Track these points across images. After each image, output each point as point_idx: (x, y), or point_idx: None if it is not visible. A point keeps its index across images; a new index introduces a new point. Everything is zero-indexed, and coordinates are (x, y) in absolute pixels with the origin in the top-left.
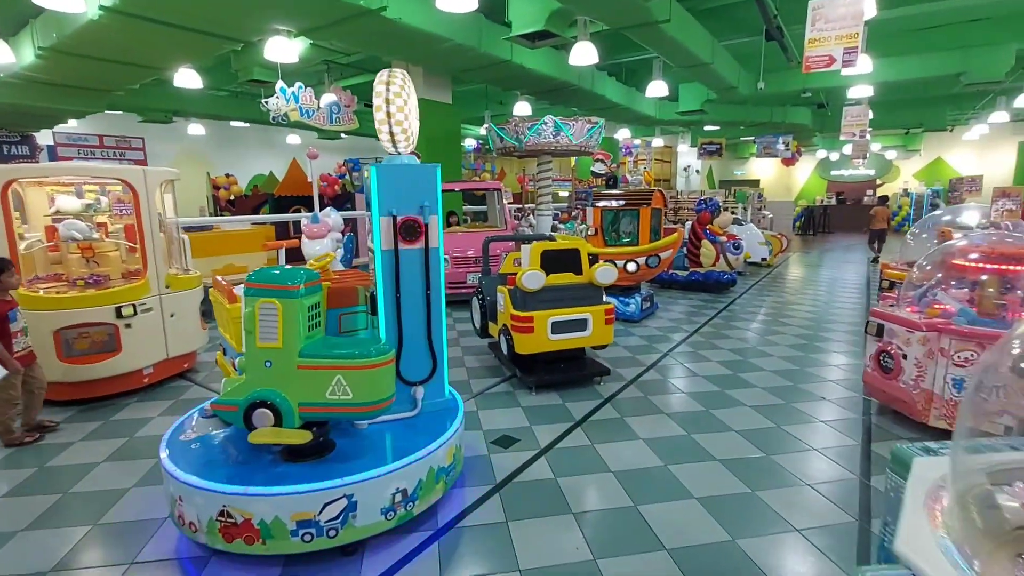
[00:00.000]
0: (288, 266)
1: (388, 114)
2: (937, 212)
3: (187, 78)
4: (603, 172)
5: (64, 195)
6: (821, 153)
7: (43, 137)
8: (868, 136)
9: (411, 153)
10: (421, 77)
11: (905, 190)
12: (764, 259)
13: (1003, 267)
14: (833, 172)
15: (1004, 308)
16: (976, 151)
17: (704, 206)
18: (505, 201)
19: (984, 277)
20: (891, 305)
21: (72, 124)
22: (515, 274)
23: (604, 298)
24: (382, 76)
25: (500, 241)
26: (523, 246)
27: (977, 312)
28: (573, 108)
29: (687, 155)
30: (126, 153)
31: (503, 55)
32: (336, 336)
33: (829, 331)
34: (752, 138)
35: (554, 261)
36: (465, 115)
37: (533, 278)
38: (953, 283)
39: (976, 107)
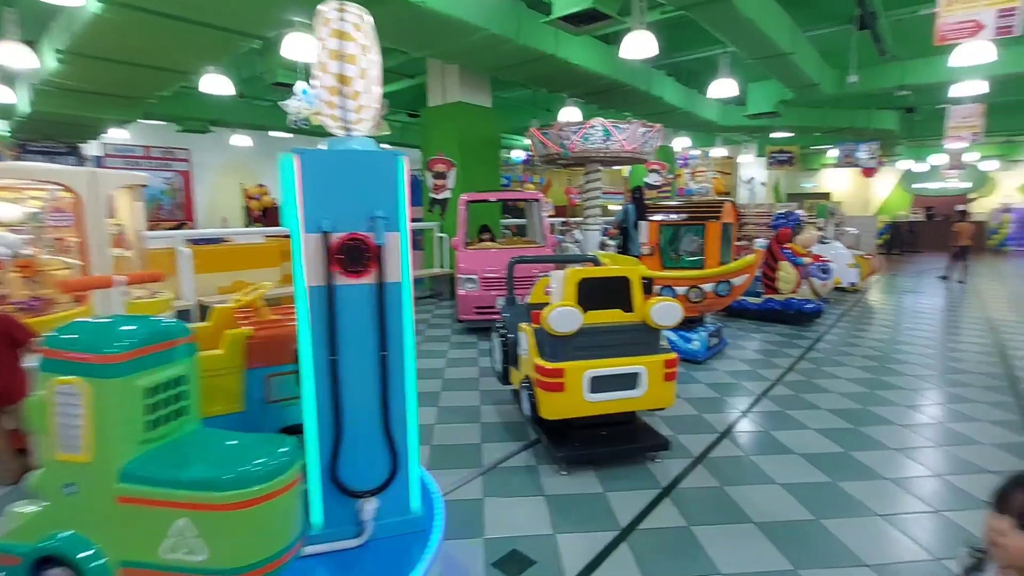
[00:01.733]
0: (124, 314)
1: (339, 60)
2: None
3: (216, 84)
4: (658, 183)
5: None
6: (902, 164)
7: (93, 148)
8: (981, 138)
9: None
10: (457, 76)
11: (1007, 206)
12: (853, 283)
13: None
14: (917, 185)
15: None
16: None
17: (784, 221)
18: (544, 213)
19: None
20: None
21: (124, 135)
22: (543, 306)
23: (662, 343)
24: (329, 4)
25: (531, 262)
26: (553, 272)
27: None
28: (626, 112)
29: (750, 167)
30: (171, 164)
31: (545, 48)
32: (245, 420)
33: (958, 383)
34: (824, 147)
35: (596, 293)
36: (511, 124)
37: (565, 317)
38: None
39: None
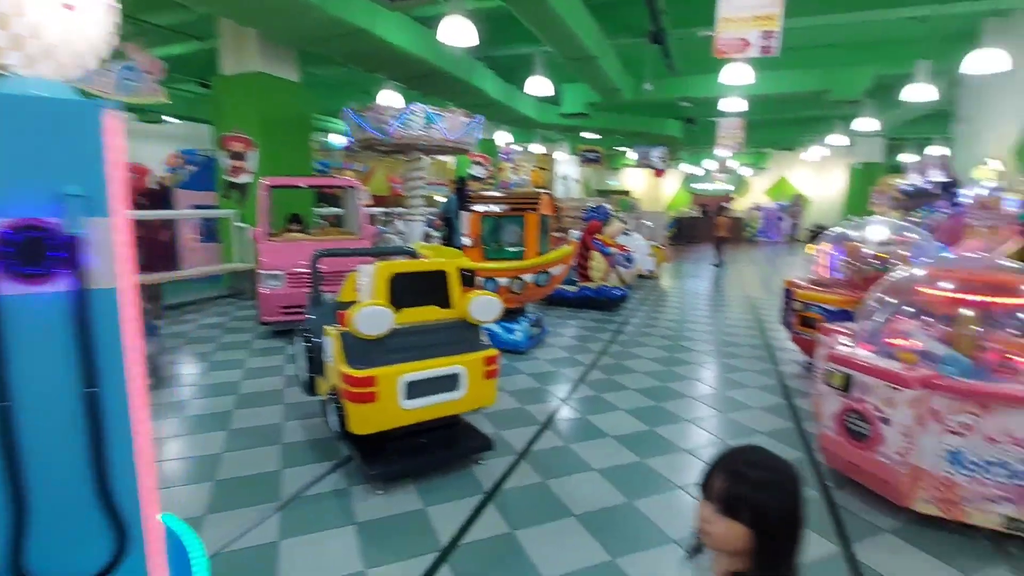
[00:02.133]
0: None
1: None
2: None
3: None
4: (482, 176)
5: None
6: (684, 167)
7: None
8: (742, 148)
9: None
10: (257, 44)
11: (757, 205)
12: (651, 271)
13: (988, 299)
14: (695, 185)
15: (984, 351)
16: (814, 171)
17: (595, 214)
18: (361, 202)
19: (964, 312)
20: (846, 344)
21: None
22: (352, 305)
23: (482, 339)
24: None
25: (338, 256)
26: (362, 266)
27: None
28: (448, 102)
29: (565, 163)
30: None
31: (359, 21)
32: None
33: (731, 355)
34: (624, 149)
35: (410, 288)
36: (326, 104)
37: (373, 317)
38: (923, 318)
39: (816, 130)
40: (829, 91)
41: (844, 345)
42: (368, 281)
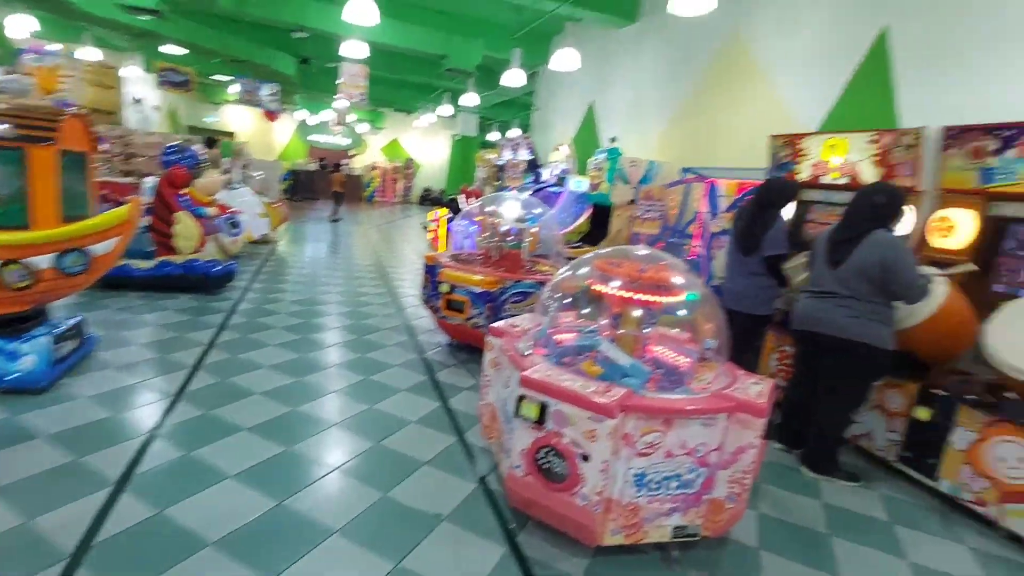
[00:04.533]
0: None
1: None
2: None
3: None
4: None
5: None
6: (300, 114)
7: None
8: (365, 100)
9: None
10: None
11: (374, 164)
12: (265, 235)
13: (647, 297)
14: (312, 136)
15: (643, 350)
16: (423, 137)
17: (178, 157)
18: None
19: (630, 311)
20: (525, 351)
21: None
22: None
23: None
24: None
25: None
26: None
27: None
28: None
29: (139, 84)
30: None
31: None
32: None
33: (375, 343)
34: (226, 79)
35: None
36: None
37: None
38: (601, 320)
39: (429, 98)
40: (448, 57)
41: (538, 364)
42: None
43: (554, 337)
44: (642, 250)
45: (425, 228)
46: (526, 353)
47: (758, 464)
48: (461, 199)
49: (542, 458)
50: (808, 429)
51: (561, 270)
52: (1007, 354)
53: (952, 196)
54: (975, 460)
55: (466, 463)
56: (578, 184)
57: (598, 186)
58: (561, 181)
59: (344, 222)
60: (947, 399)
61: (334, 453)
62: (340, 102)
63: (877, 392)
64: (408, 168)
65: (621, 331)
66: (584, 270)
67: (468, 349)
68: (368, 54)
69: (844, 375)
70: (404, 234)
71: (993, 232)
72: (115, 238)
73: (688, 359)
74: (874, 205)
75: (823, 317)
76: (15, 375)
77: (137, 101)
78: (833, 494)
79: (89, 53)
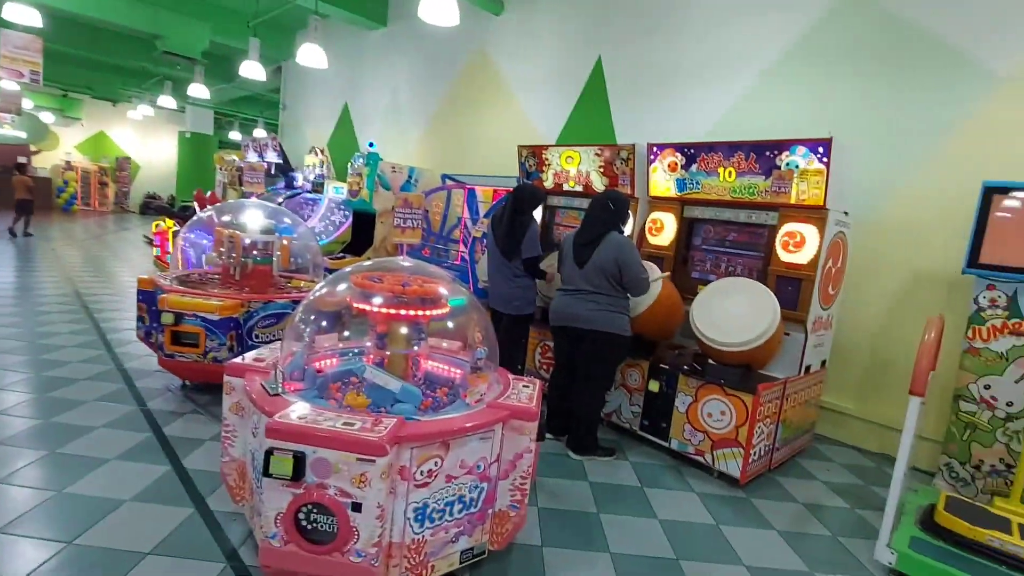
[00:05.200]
0: None
1: None
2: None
3: None
4: None
5: None
6: None
7: None
8: (39, 80)
9: None
10: None
11: (68, 163)
12: None
13: (415, 312)
14: None
15: (412, 369)
16: (140, 132)
17: None
18: None
19: (398, 327)
20: (273, 389)
21: None
22: None
23: None
24: None
25: None
26: None
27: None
28: None
29: None
30: None
31: None
32: None
33: (75, 404)
34: None
35: None
36: None
37: None
38: (367, 342)
39: (145, 85)
40: (164, 38)
41: (293, 404)
42: None
43: (314, 365)
44: (404, 261)
45: (149, 243)
46: (274, 392)
47: (534, 466)
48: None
49: (303, 519)
50: (570, 416)
51: (315, 288)
52: (705, 328)
53: (658, 202)
54: (693, 418)
55: (210, 539)
56: (337, 191)
57: (358, 192)
58: (317, 187)
59: (32, 238)
60: (670, 371)
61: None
62: (7, 84)
63: (621, 372)
64: (122, 169)
65: (389, 352)
66: (342, 287)
67: (209, 389)
68: (40, 23)
69: (595, 361)
70: (118, 252)
71: (688, 231)
72: None
73: (460, 370)
74: (606, 210)
75: (575, 312)
76: None
77: None
78: (597, 471)
79: None
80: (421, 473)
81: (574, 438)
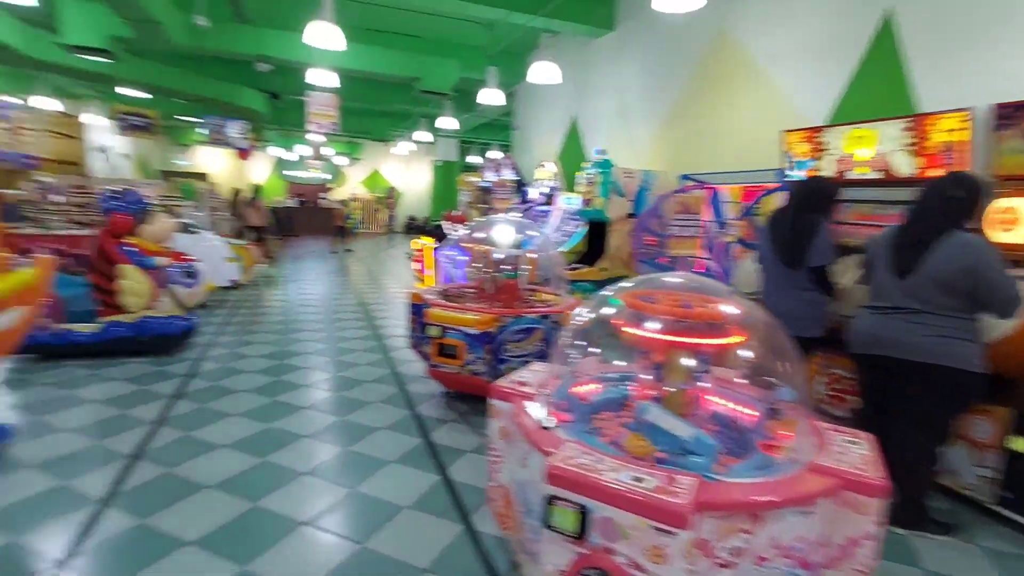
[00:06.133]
0: None
1: None
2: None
3: None
4: None
5: None
6: (273, 150)
7: None
8: (337, 129)
9: None
10: None
11: (354, 196)
12: (235, 281)
13: (703, 341)
14: (288, 172)
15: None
16: (403, 165)
17: (119, 204)
18: None
19: (677, 358)
20: (544, 421)
21: None
22: None
23: None
24: None
25: None
26: None
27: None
28: None
29: (102, 131)
30: None
31: None
32: None
33: (359, 401)
34: (193, 120)
35: None
36: None
37: None
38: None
39: (405, 125)
40: (420, 79)
41: (565, 443)
42: None
43: (575, 391)
44: (673, 278)
45: (410, 258)
46: (545, 424)
47: (879, 556)
48: (446, 225)
49: None
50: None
51: (578, 310)
52: None
53: (1011, 183)
54: None
55: (477, 564)
56: (569, 201)
57: (591, 201)
58: (550, 199)
59: (328, 257)
60: None
61: (306, 566)
62: (314, 136)
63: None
64: (389, 197)
65: (669, 387)
66: (609, 310)
67: (465, 398)
68: (337, 83)
69: (926, 406)
70: (388, 266)
71: None
72: (16, 309)
73: (753, 411)
74: (949, 200)
75: (894, 337)
76: None
77: (102, 149)
78: (932, 555)
79: (44, 103)
80: (725, 551)
81: (896, 508)
